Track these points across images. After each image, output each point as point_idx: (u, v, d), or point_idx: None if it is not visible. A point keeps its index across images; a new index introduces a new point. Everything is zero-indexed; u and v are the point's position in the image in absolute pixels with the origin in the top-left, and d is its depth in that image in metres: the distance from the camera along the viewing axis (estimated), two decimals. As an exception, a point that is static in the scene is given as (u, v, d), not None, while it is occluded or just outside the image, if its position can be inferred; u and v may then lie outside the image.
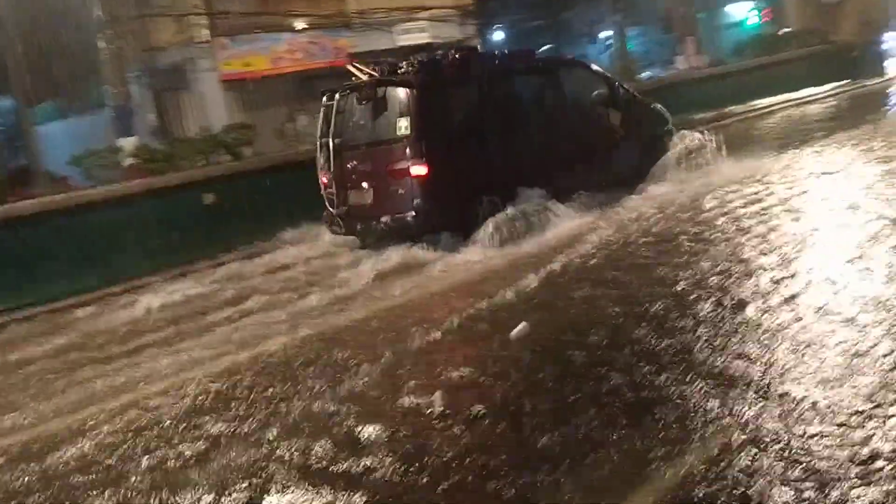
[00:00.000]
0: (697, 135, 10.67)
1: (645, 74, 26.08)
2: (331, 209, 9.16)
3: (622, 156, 10.18)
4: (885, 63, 22.97)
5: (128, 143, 14.70)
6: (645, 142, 10.48)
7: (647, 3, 33.08)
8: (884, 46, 21.80)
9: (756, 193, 8.66)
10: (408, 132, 8.38)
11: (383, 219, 8.65)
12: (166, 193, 9.87)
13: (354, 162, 8.92)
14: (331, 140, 8.94)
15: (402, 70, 8.98)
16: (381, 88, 8.75)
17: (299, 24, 19.71)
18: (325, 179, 9.24)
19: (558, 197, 8.87)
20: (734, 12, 36.77)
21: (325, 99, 9.29)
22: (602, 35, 36.48)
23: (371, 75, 9.13)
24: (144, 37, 18.66)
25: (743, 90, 19.30)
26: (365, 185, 8.84)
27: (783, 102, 18.76)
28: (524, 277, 6.75)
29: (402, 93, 8.56)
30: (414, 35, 21.51)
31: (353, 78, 9.32)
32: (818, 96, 19.39)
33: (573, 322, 5.56)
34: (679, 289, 5.79)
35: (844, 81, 21.05)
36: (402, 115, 8.48)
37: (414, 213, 8.45)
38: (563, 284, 6.56)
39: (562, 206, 8.78)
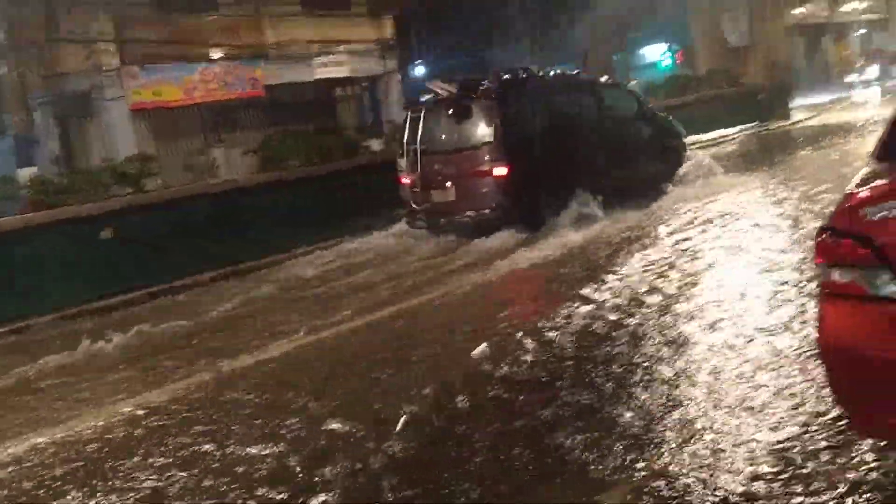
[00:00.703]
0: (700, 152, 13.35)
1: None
2: (414, 206, 10.58)
3: (650, 163, 11.75)
4: (791, 106, 23.87)
5: (25, 173, 14.00)
6: (667, 151, 12.18)
7: (565, 44, 33.79)
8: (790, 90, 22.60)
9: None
10: (491, 139, 9.89)
11: (468, 213, 10.10)
12: (58, 227, 9.25)
13: (438, 165, 10.34)
14: (417, 146, 10.39)
15: (482, 87, 10.37)
16: (463, 102, 10.22)
17: (214, 54, 19.26)
18: (407, 181, 10.71)
19: (606, 197, 10.32)
20: (648, 54, 37.97)
21: (410, 112, 10.98)
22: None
23: (451, 92, 10.54)
24: (49, 63, 17.92)
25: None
26: (448, 184, 10.19)
27: (692, 144, 19.14)
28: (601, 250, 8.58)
29: (484, 106, 10.09)
30: (332, 69, 21.32)
31: (435, 94, 10.82)
32: (728, 137, 19.89)
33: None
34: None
35: (753, 123, 21.73)
36: (485, 125, 9.98)
37: (495, 208, 9.92)
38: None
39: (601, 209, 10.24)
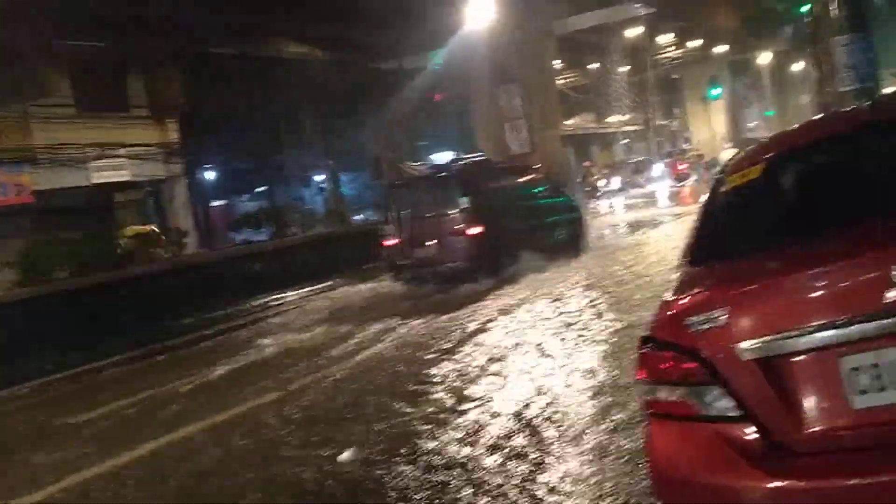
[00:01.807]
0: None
1: (358, 217, 26.66)
2: (398, 262, 13.02)
3: (563, 231, 14.50)
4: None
5: None
6: (573, 222, 15.08)
7: (357, 149, 34.40)
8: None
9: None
10: (467, 205, 12.52)
11: (448, 265, 12.50)
12: None
13: (421, 227, 12.66)
14: (401, 213, 12.82)
15: (452, 167, 13.81)
16: (439, 178, 13.33)
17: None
18: (390, 242, 13.06)
19: (539, 254, 12.86)
20: (438, 160, 39.49)
21: (392, 188, 14.17)
22: (316, 178, 37.15)
23: (423, 172, 13.95)
24: None
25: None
26: (430, 243, 12.59)
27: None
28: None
29: (458, 180, 13.01)
30: (111, 172, 20.12)
31: (411, 173, 14.20)
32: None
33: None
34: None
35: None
36: (460, 195, 12.65)
37: (470, 259, 12.39)
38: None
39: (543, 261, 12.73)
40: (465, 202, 12.58)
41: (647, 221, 19.79)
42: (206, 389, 8.32)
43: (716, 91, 44.72)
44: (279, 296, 14.43)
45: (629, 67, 34.71)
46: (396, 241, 12.93)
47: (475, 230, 12.35)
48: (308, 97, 28.96)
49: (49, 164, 18.78)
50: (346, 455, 5.29)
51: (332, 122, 31.27)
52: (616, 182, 37.17)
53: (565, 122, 37.82)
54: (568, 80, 38.93)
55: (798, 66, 52.12)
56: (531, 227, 13.56)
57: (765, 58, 46.51)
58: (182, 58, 21.61)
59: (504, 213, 13.03)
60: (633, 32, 31.35)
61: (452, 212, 12.60)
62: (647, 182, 36.36)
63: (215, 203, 36.73)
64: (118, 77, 21.19)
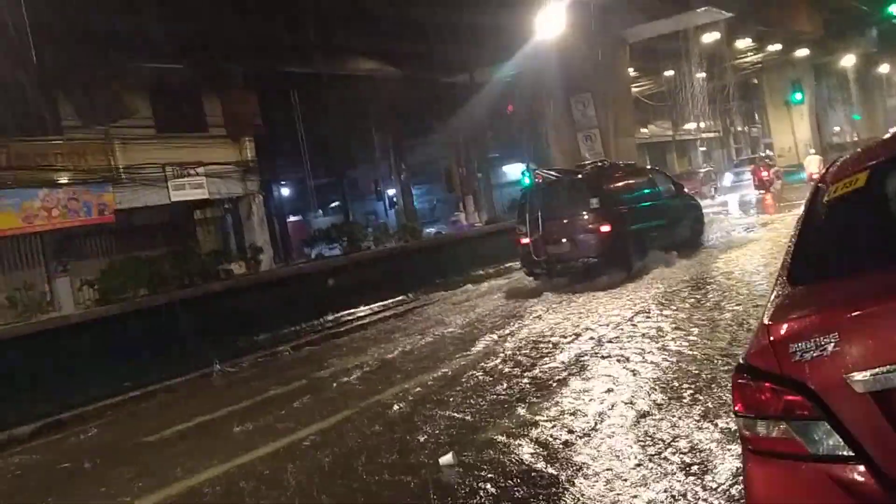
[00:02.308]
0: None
1: (430, 230, 26.61)
2: (534, 258, 13.92)
3: (686, 228, 15.82)
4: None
5: None
6: (694, 220, 16.41)
7: (429, 163, 34.51)
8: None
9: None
10: (597, 204, 13.45)
11: (581, 260, 13.43)
12: None
13: (554, 227, 13.67)
14: (538, 214, 13.78)
15: (583, 172, 14.84)
16: (570, 182, 14.40)
17: (59, 178, 18.11)
18: (527, 241, 13.95)
19: (666, 250, 14.26)
20: (510, 172, 39.34)
21: (525, 194, 14.83)
22: (388, 192, 37.40)
23: (555, 177, 14.65)
24: None
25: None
26: (563, 240, 13.58)
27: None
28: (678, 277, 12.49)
29: (590, 184, 14.06)
30: (191, 191, 20.53)
31: (543, 178, 14.64)
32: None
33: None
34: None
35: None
36: (592, 197, 13.58)
37: (603, 256, 13.27)
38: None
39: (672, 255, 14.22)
40: (594, 202, 13.56)
41: (743, 226, 19.60)
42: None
43: (798, 96, 43.20)
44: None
45: (706, 73, 33.79)
46: (530, 239, 13.89)
47: (605, 228, 13.34)
48: (380, 112, 29.16)
49: (130, 183, 19.28)
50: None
51: (404, 136, 31.42)
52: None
53: (641, 130, 37.16)
54: (643, 87, 38.25)
55: (885, 69, 50.12)
56: (656, 225, 14.57)
57: (848, 60, 44.77)
58: (257, 77, 21.98)
59: (630, 212, 14.08)
60: (710, 38, 30.52)
61: (583, 211, 13.55)
62: (717, 192, 35.21)
63: (291, 219, 37.40)
64: (195, 97, 21.66)
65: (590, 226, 13.40)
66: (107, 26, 17.14)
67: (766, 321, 2.35)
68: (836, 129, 54.48)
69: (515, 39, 22.08)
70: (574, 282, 13.51)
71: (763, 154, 41.82)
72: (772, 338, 2.25)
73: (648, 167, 19.42)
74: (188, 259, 14.02)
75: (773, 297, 2.52)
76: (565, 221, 13.69)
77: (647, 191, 15.20)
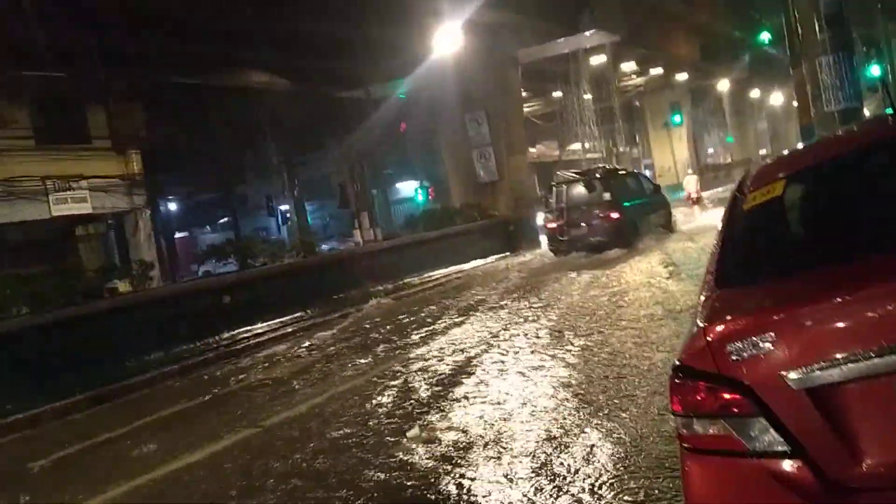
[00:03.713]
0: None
1: (325, 246, 26.32)
2: (559, 238, 18.86)
3: (662, 217, 20.74)
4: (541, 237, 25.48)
5: None
6: (667, 212, 21.25)
7: (322, 179, 34.22)
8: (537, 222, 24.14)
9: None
10: (609, 198, 18.25)
11: (593, 239, 18.15)
12: None
13: (574, 214, 18.49)
14: (562, 205, 18.70)
15: (595, 174, 19.30)
16: (588, 180, 18.85)
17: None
18: (552, 226, 19.11)
19: (650, 233, 19.05)
20: (404, 189, 39.49)
21: (553, 187, 19.54)
22: (281, 208, 36.82)
23: (577, 176, 19.44)
24: None
25: (416, 262, 19.94)
26: (582, 224, 18.39)
27: (455, 273, 19.62)
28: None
29: (603, 182, 18.77)
30: (72, 205, 19.59)
31: (567, 177, 19.56)
32: (483, 266, 20.59)
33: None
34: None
35: (505, 253, 22.81)
36: (605, 192, 18.44)
37: (611, 237, 17.97)
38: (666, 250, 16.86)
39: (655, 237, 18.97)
40: (607, 196, 18.27)
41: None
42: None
43: (677, 118, 45.31)
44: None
45: (592, 96, 35.00)
46: (556, 224, 18.86)
47: (615, 215, 18.01)
48: (272, 127, 28.73)
49: (6, 197, 18.23)
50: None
51: (297, 151, 31.06)
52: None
53: (529, 150, 38.02)
54: (533, 107, 39.20)
55: (755, 94, 53.23)
56: (645, 214, 19.47)
57: (723, 85, 47.35)
58: (144, 89, 21.26)
59: (630, 204, 18.66)
60: (597, 60, 31.67)
61: (598, 203, 18.13)
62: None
63: (178, 235, 36.23)
64: (78, 108, 20.73)
65: (603, 214, 18.03)
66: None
67: (700, 323, 2.40)
68: (711, 150, 57.38)
69: (413, 56, 22.23)
70: (588, 255, 17.83)
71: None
72: (708, 338, 2.30)
73: (635, 171, 25.25)
74: (74, 275, 13.30)
75: (702, 299, 2.59)
76: (584, 210, 18.35)
77: (637, 188, 20.19)
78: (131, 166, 21.65)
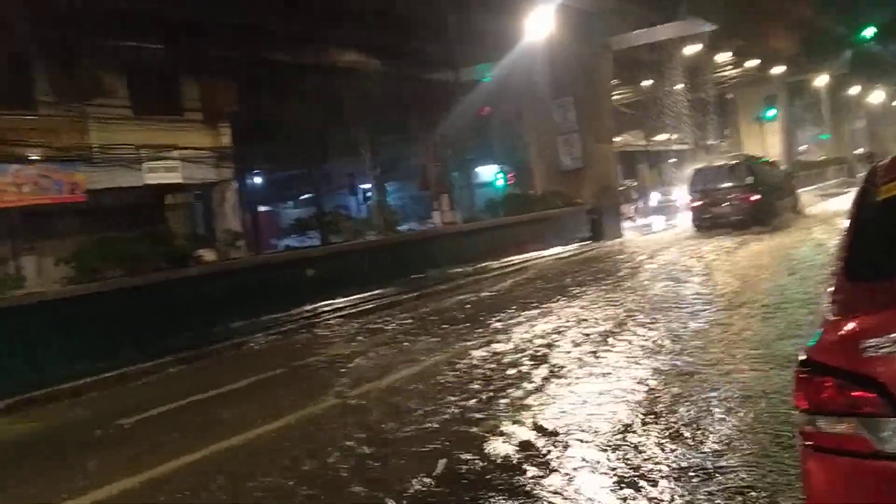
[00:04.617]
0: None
1: (404, 227, 26.40)
2: (702, 216, 21.28)
3: (791, 200, 23.21)
4: (623, 225, 25.03)
5: None
6: (795, 197, 24.13)
7: (404, 160, 34.30)
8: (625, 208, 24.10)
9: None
10: (751, 181, 20.70)
11: (734, 218, 20.31)
12: None
13: (717, 195, 20.86)
14: (707, 187, 21.28)
15: (735, 159, 23.04)
16: (731, 166, 21.88)
17: (31, 155, 17.62)
18: (696, 205, 21.62)
19: (782, 215, 21.37)
20: (483, 173, 39.32)
21: (696, 171, 22.85)
22: (362, 187, 37.12)
23: (720, 164, 22.62)
24: None
25: (496, 246, 19.82)
26: (724, 204, 20.69)
27: (535, 258, 19.45)
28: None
29: (746, 167, 21.65)
30: (163, 174, 20.13)
31: (713, 164, 23.31)
32: (564, 255, 20.33)
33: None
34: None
35: (587, 241, 22.48)
36: (748, 176, 20.90)
37: (751, 216, 20.12)
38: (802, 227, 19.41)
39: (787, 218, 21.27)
40: (749, 179, 20.70)
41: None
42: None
43: (771, 112, 43.81)
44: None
45: (683, 85, 34.08)
46: (699, 203, 21.30)
47: (755, 197, 20.38)
48: (359, 106, 28.88)
49: (103, 163, 18.84)
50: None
51: (381, 131, 31.18)
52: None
53: (614, 139, 37.35)
54: (620, 96, 38.47)
55: (855, 91, 51.02)
56: (779, 197, 21.88)
57: (821, 80, 45.54)
58: (237, 63, 21.62)
59: (768, 187, 21.00)
60: (691, 50, 30.77)
61: (741, 185, 20.58)
62: (638, 214, 33.12)
63: (261, 209, 36.93)
64: (173, 80, 21.26)
65: (744, 195, 20.38)
66: (87, 2, 16.72)
67: (830, 317, 2.32)
68: (802, 147, 55.37)
69: (503, 40, 22.02)
70: (730, 233, 19.27)
71: None
72: (840, 333, 2.22)
73: (769, 159, 27.00)
74: (165, 241, 13.66)
75: (831, 291, 2.49)
76: (727, 192, 20.71)
77: (773, 174, 23.06)
78: (220, 139, 22.13)
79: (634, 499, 4.05)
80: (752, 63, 37.78)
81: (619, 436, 5.08)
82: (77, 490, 5.59)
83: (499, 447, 5.22)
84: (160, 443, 6.65)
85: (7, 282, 11.14)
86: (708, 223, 20.70)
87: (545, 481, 4.49)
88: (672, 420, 5.27)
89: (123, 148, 19.22)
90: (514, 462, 4.91)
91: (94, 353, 9.94)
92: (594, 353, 7.78)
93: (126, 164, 19.32)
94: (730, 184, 20.63)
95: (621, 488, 4.20)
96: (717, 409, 5.34)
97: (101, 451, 6.70)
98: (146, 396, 8.77)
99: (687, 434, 4.92)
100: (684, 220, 26.21)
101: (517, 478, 4.61)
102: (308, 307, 13.83)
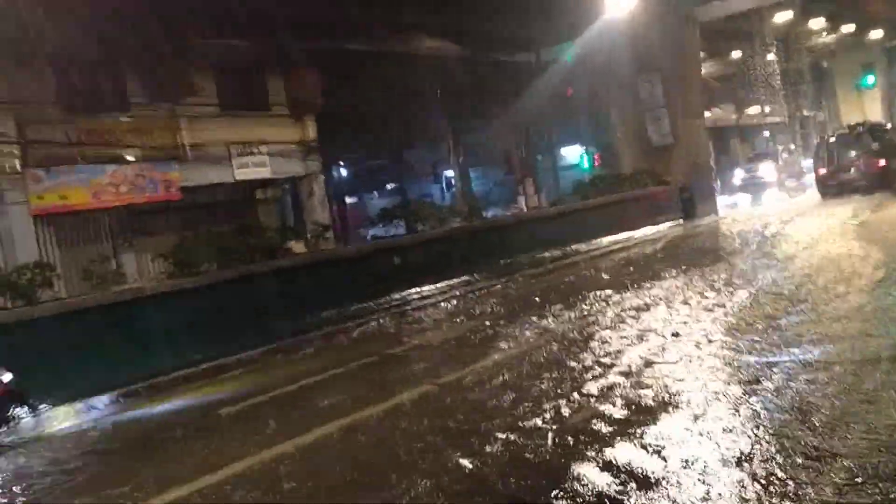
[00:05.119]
0: None
1: (489, 213, 26.26)
2: (826, 184, 21.85)
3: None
4: (717, 202, 24.22)
5: None
6: None
7: (486, 145, 34.10)
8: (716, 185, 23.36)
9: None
10: (878, 148, 21.30)
11: (859, 184, 20.74)
12: None
13: (845, 161, 21.61)
14: (833, 154, 21.95)
15: (861, 127, 23.03)
16: (857, 133, 22.46)
17: (126, 155, 18.25)
18: (822, 171, 22.15)
19: None
20: (568, 155, 38.74)
21: (827, 138, 23.62)
22: (445, 174, 37.12)
23: (844, 132, 23.31)
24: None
25: (584, 229, 19.46)
26: (852, 170, 21.39)
27: (624, 241, 18.98)
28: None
29: (872, 133, 22.19)
30: (253, 169, 20.55)
31: (842, 132, 23.50)
32: (655, 236, 19.76)
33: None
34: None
35: (679, 220, 21.83)
36: (874, 142, 21.65)
37: (876, 181, 20.33)
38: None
39: None
40: (875, 146, 21.37)
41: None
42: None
43: (870, 79, 41.66)
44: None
45: (775, 55, 32.69)
46: (826, 170, 21.96)
47: (881, 162, 20.92)
48: (441, 93, 28.82)
49: (194, 160, 19.34)
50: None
51: (464, 117, 31.05)
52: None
53: (705, 114, 36.15)
54: (709, 69, 37.20)
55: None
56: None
57: (924, 42, 43.02)
58: (319, 56, 21.84)
59: (892, 152, 21.25)
60: (783, 17, 29.44)
61: (867, 151, 21.26)
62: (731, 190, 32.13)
63: (348, 200, 37.42)
64: (258, 76, 21.63)
65: (871, 160, 21.04)
66: (172, 1, 17.14)
67: None
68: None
69: (583, 17, 21.55)
70: (860, 198, 19.44)
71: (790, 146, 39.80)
72: None
73: (888, 125, 27.13)
74: (256, 235, 13.93)
75: None
76: (853, 158, 21.50)
77: (889, 138, 22.95)
78: (307, 132, 22.42)
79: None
80: (848, 28, 35.93)
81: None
82: (218, 464, 5.82)
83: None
84: (288, 420, 6.92)
85: (109, 278, 11.54)
86: (834, 190, 21.31)
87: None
88: None
89: (214, 145, 19.69)
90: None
91: (193, 344, 10.18)
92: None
93: (217, 160, 19.78)
94: (855, 151, 21.50)
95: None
96: None
97: (238, 426, 7.08)
98: (257, 382, 8.98)
99: None
100: (771, 199, 25.34)
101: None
102: (396, 295, 13.87)
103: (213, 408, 7.93)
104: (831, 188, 21.51)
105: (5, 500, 5.95)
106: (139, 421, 8.18)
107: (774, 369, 5.75)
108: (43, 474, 6.49)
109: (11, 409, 8.06)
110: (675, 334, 7.55)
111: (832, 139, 22.78)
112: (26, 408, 8.27)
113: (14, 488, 6.18)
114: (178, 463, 6.23)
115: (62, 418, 8.62)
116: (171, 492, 5.40)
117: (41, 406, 8.60)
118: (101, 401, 9.07)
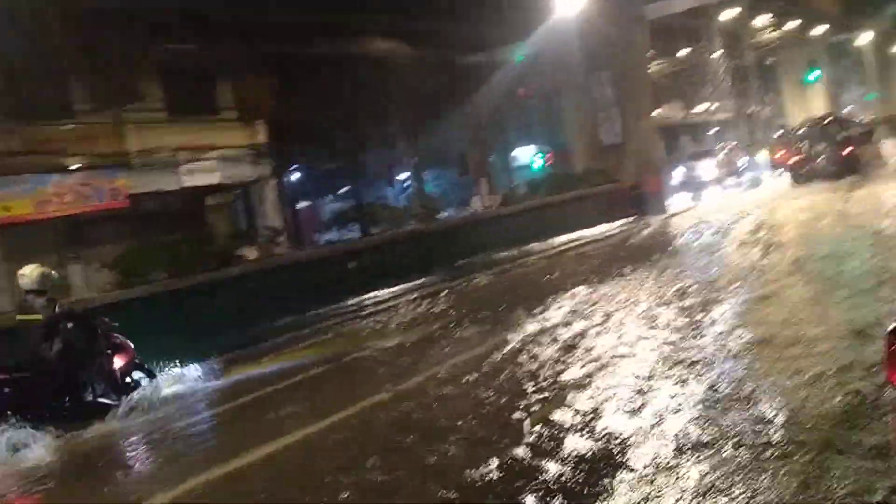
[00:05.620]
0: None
1: (444, 214, 26.21)
2: (797, 171, 22.98)
3: (873, 154, 24.67)
4: (667, 200, 24.44)
5: None
6: (876, 147, 26.39)
7: (440, 147, 34.06)
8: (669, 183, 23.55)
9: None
10: (845, 137, 23.25)
11: (828, 169, 21.77)
12: None
13: (813, 150, 22.72)
14: (804, 144, 23.30)
15: (828, 118, 26.31)
16: (826, 123, 24.72)
17: (71, 164, 17.78)
18: (793, 161, 23.49)
19: (868, 166, 22.49)
20: (521, 155, 38.87)
21: (796, 129, 26.32)
22: (399, 177, 36.94)
23: (812, 125, 24.89)
24: None
25: (539, 228, 19.50)
26: (819, 160, 22.40)
27: (577, 240, 19.03)
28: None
29: (839, 123, 25.24)
30: (202, 175, 20.17)
31: (809, 124, 25.27)
32: (609, 233, 19.88)
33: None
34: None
35: (632, 218, 22.00)
36: (841, 132, 23.82)
37: (845, 166, 21.49)
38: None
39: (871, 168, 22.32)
40: (842, 135, 23.25)
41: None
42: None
43: (814, 75, 42.59)
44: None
45: (722, 52, 33.21)
46: (797, 158, 23.29)
47: (848, 150, 22.31)
48: (392, 95, 28.69)
49: (142, 168, 18.93)
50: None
51: (416, 119, 30.95)
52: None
53: (652, 113, 36.58)
54: (656, 67, 37.64)
55: (902, 46, 49.40)
56: (865, 149, 23.79)
57: (866, 38, 44.09)
58: (270, 59, 21.56)
59: (856, 140, 23.25)
60: (729, 14, 29.94)
61: (835, 141, 22.70)
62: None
63: (301, 204, 37.00)
64: (207, 81, 21.28)
65: (839, 149, 22.33)
66: (118, 5, 16.76)
67: None
68: (846, 109, 53.78)
69: (535, 18, 21.63)
70: (826, 182, 20.74)
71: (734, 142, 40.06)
72: None
73: (858, 118, 29.53)
74: (207, 241, 13.68)
75: None
76: (822, 146, 22.66)
77: (859, 129, 25.65)
78: (257, 137, 22.11)
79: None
80: (793, 24, 36.70)
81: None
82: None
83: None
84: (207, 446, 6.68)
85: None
86: (805, 177, 22.68)
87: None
88: None
89: (161, 151, 19.29)
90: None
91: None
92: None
93: (165, 167, 19.38)
94: (824, 141, 22.89)
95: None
96: None
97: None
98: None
99: None
100: (711, 197, 25.74)
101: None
102: (351, 301, 13.73)
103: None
104: (802, 176, 22.77)
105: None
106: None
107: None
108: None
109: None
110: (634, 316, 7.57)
111: (800, 131, 24.71)
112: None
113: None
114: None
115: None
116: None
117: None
118: None
